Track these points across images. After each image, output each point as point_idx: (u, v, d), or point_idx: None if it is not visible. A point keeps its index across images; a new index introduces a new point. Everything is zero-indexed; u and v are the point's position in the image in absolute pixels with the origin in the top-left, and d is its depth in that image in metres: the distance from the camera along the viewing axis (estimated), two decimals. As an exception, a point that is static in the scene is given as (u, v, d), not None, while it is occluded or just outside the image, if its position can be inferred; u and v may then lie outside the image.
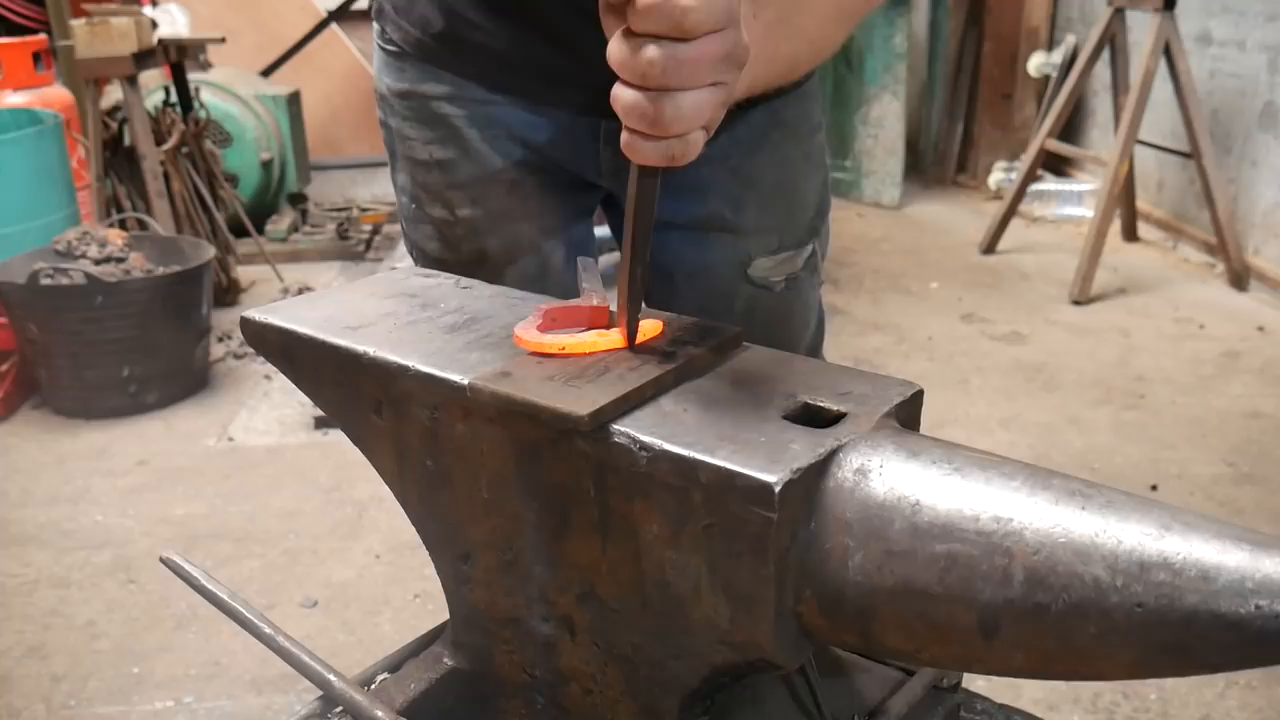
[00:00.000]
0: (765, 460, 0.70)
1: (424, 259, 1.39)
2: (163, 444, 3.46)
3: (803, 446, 0.72)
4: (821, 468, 0.71)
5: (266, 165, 5.50)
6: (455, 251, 1.35)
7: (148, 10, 4.70)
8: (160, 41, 4.49)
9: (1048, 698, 2.21)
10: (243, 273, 4.81)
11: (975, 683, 1.10)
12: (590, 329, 0.88)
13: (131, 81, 4.22)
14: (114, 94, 4.62)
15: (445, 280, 1.07)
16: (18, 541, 2.89)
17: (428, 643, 0.99)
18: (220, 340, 4.20)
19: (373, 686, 0.95)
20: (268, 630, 0.92)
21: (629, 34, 0.71)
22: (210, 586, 0.95)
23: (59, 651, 2.44)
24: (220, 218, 4.70)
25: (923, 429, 0.83)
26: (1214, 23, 4.94)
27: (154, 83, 5.16)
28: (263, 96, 5.69)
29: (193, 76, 5.04)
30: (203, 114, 4.82)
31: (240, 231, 4.94)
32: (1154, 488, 3.05)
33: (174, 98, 4.84)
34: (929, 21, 6.74)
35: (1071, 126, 5.90)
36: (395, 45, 1.31)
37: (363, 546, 2.84)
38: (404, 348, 0.88)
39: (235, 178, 5.27)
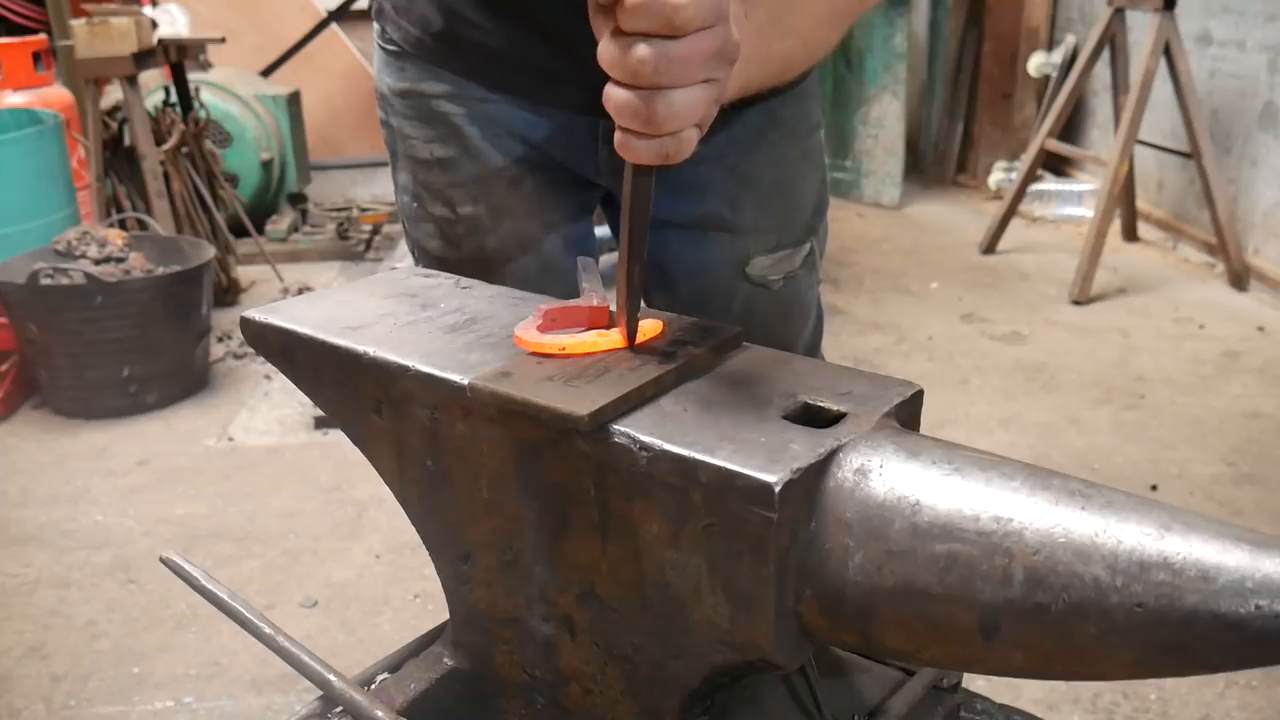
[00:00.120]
0: (765, 460, 0.70)
1: (425, 257, 1.39)
2: (163, 444, 3.46)
3: (803, 446, 0.72)
4: (821, 468, 0.71)
5: (266, 165, 5.50)
6: (456, 249, 1.35)
7: (148, 10, 4.70)
8: (160, 41, 4.49)
9: (1048, 698, 2.21)
10: (243, 273, 4.81)
11: (975, 683, 1.10)
12: (590, 329, 0.89)
13: (131, 81, 4.22)
14: (114, 94, 4.62)
15: (445, 280, 1.07)
16: (18, 541, 2.89)
17: (428, 643, 0.99)
18: (220, 340, 4.20)
19: (373, 686, 0.95)
20: (268, 630, 0.92)
21: (619, 33, 0.71)
22: (210, 586, 0.95)
23: (59, 651, 2.44)
24: (220, 218, 4.70)
25: (923, 429, 0.83)
26: (1214, 23, 4.94)
27: (154, 83, 5.16)
28: (263, 96, 5.69)
29: (193, 76, 5.04)
30: (203, 114, 4.82)
31: (240, 231, 4.94)
32: (1154, 488, 3.05)
33: (174, 98, 4.84)
34: (929, 21, 6.74)
35: (1071, 126, 5.90)
36: (395, 45, 1.32)
37: (363, 546, 2.84)
38: (404, 348, 0.88)
39: (235, 178, 5.27)
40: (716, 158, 1.28)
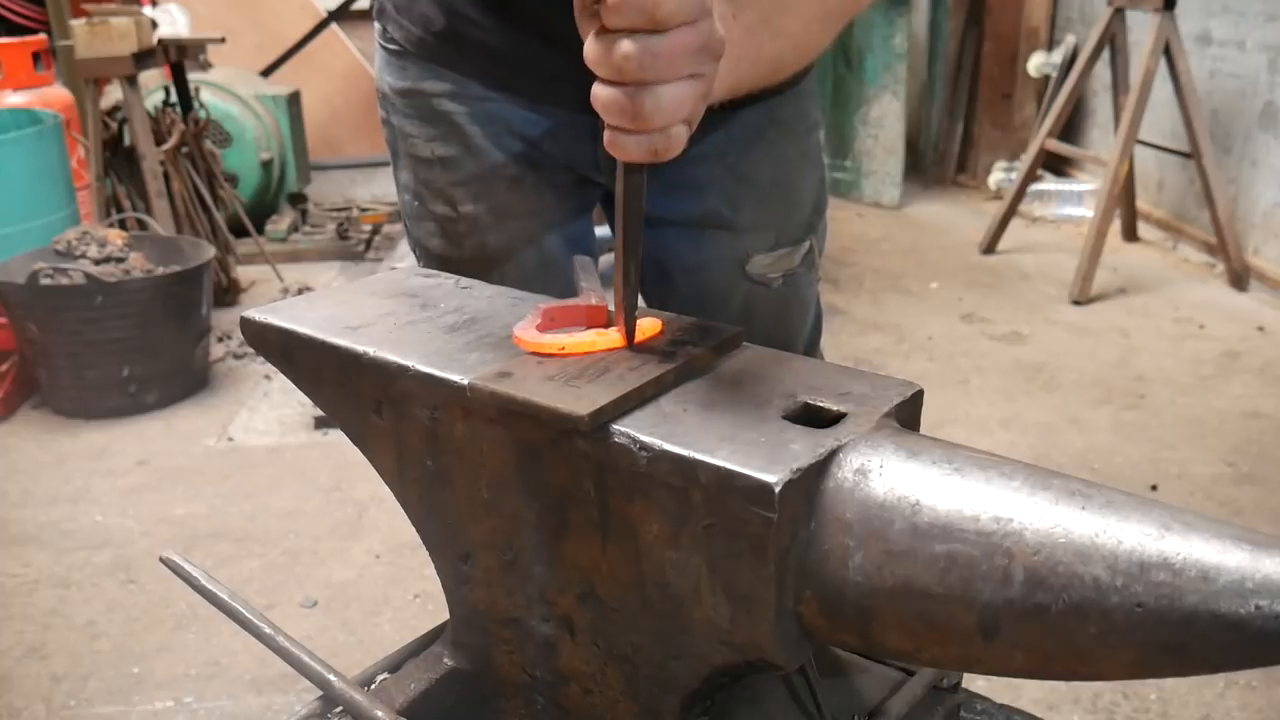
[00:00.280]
0: (765, 460, 0.70)
1: (427, 256, 1.39)
2: (163, 444, 3.46)
3: (803, 446, 0.72)
4: (821, 468, 0.71)
5: (266, 165, 5.50)
6: (458, 248, 1.36)
7: (148, 10, 4.70)
8: (160, 41, 4.49)
9: (1048, 698, 2.21)
10: (243, 273, 4.81)
11: (975, 683, 1.10)
12: (589, 328, 0.89)
13: (131, 81, 4.22)
14: (114, 94, 4.62)
15: (445, 280, 1.07)
16: (18, 541, 2.89)
17: (428, 643, 0.99)
18: (220, 340, 4.20)
19: (373, 686, 0.95)
20: (268, 630, 0.92)
21: (603, 32, 0.72)
22: (210, 586, 0.95)
23: (59, 651, 2.44)
24: (220, 218, 4.70)
25: (923, 429, 0.83)
26: (1214, 23, 4.94)
27: (154, 83, 5.16)
28: (263, 96, 5.69)
29: (193, 76, 5.04)
30: (203, 114, 4.82)
31: (240, 231, 4.94)
32: (1154, 488, 3.05)
33: (174, 98, 4.84)
34: (929, 21, 6.74)
35: (1071, 126, 5.90)
36: (396, 44, 1.32)
37: (363, 546, 2.84)
38: (404, 348, 0.88)
39: (235, 178, 5.27)
40: (715, 156, 1.29)
